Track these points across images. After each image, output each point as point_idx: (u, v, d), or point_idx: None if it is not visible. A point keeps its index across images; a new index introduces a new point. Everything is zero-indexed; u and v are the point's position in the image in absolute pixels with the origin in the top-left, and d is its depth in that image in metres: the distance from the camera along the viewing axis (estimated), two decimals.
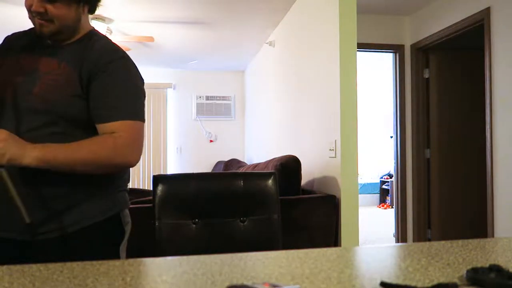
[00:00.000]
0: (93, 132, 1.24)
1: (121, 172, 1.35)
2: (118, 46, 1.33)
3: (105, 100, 1.23)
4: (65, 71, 1.24)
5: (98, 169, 1.22)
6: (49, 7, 1.20)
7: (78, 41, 1.30)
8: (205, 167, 7.02)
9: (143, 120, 1.29)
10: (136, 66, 1.33)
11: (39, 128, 1.22)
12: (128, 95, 1.27)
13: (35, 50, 1.29)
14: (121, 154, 1.22)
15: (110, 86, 1.24)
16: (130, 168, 1.43)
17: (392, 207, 7.08)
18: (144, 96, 1.34)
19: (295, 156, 2.94)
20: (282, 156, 3.05)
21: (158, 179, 1.66)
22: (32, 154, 1.12)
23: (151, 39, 4.74)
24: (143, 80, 1.35)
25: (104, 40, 1.32)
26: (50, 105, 1.22)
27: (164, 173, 6.55)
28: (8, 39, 1.37)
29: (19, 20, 3.96)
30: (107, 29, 4.54)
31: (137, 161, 1.25)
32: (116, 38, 4.71)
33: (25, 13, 1.25)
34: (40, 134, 1.21)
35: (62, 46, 1.29)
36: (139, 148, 1.27)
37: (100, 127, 1.24)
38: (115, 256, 1.30)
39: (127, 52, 1.34)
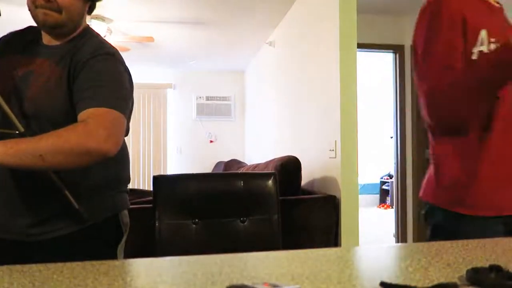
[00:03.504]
0: None
1: (113, 169, 1.30)
2: (108, 44, 1.28)
3: (81, 92, 1.18)
4: (55, 72, 1.21)
5: (69, 158, 1.09)
6: None
7: (71, 40, 1.27)
8: (205, 167, 7.02)
9: (123, 113, 1.19)
10: (123, 66, 1.27)
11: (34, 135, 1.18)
12: (105, 85, 1.19)
13: (29, 51, 1.27)
14: (93, 140, 1.08)
15: (87, 78, 1.19)
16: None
17: (392, 207, 7.08)
18: (129, 96, 1.26)
19: (295, 157, 2.94)
20: (282, 157, 3.05)
21: (158, 180, 1.66)
22: None
23: (151, 39, 4.74)
24: (131, 79, 1.29)
25: (94, 39, 1.28)
26: (40, 109, 1.19)
27: (164, 174, 6.55)
28: (3, 40, 1.34)
29: (20, 21, 3.96)
30: (107, 29, 4.54)
31: (113, 151, 1.12)
32: (116, 38, 4.71)
33: (25, 13, 1.24)
34: None
35: (55, 46, 1.26)
36: (116, 137, 1.14)
37: (78, 119, 1.16)
38: (113, 257, 1.29)
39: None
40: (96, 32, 1.35)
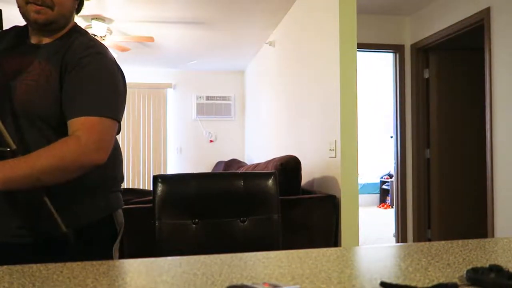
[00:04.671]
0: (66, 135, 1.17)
1: (106, 172, 1.29)
2: (97, 42, 1.27)
3: (72, 96, 1.17)
4: (46, 70, 1.20)
5: (64, 175, 1.13)
6: None
7: (60, 38, 1.26)
8: (205, 167, 7.02)
9: (115, 118, 1.20)
10: (115, 64, 1.26)
11: (26, 132, 1.18)
12: (97, 90, 1.18)
13: (16, 50, 1.26)
14: (85, 154, 1.13)
15: (79, 81, 1.17)
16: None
17: (392, 207, 7.08)
18: (122, 96, 1.25)
19: (295, 156, 2.94)
20: (282, 156, 3.05)
21: (158, 179, 1.66)
22: None
23: (151, 39, 4.74)
24: (124, 79, 1.28)
25: (83, 37, 1.27)
26: (31, 108, 1.18)
27: (164, 173, 6.55)
28: None
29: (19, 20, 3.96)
30: (107, 29, 4.54)
31: (104, 160, 1.16)
32: (116, 38, 4.71)
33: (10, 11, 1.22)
34: (31, 137, 1.18)
35: (44, 45, 1.25)
36: (106, 147, 1.17)
37: (68, 124, 1.16)
38: (108, 257, 1.28)
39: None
40: (84, 30, 1.34)
